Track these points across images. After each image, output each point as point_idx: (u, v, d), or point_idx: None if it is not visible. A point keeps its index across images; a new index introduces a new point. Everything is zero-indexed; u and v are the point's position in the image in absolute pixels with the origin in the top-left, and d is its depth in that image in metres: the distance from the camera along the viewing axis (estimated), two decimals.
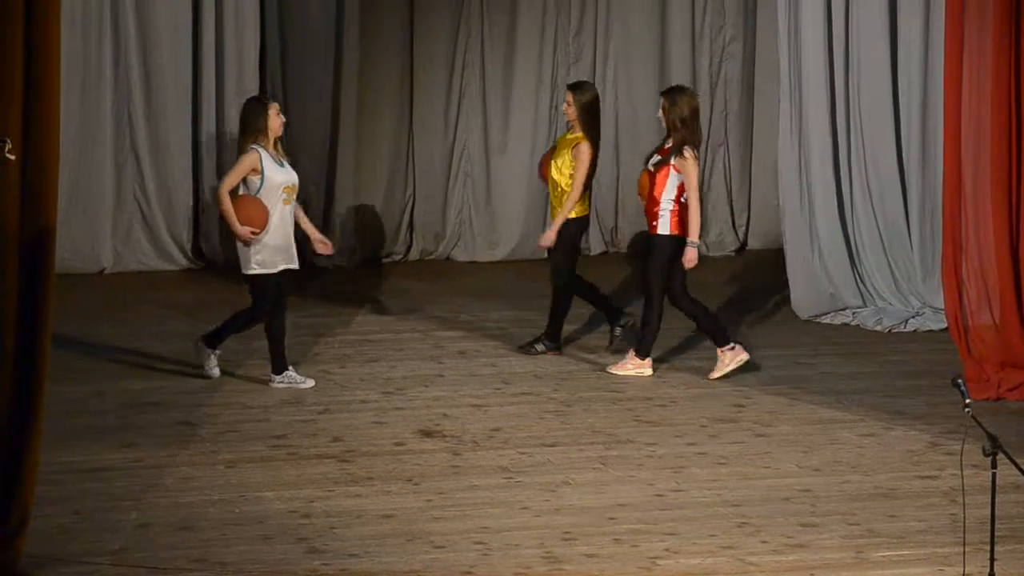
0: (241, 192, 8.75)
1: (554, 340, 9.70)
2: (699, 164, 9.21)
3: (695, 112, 9.20)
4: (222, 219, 8.82)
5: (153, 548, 6.55)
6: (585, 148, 9.45)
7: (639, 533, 6.83)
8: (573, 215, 9.55)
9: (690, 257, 9.21)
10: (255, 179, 8.68)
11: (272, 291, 8.82)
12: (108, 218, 12.12)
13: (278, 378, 8.89)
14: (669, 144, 9.24)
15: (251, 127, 8.77)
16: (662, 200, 9.18)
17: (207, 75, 12.18)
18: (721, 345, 9.29)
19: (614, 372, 9.29)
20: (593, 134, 9.54)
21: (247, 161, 8.70)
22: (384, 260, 12.72)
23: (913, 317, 10.67)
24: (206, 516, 6.90)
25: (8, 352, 5.80)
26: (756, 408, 8.74)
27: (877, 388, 9.19)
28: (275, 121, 8.82)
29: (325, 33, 12.52)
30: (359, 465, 7.61)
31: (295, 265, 8.91)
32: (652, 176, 9.21)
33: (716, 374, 9.23)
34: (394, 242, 12.83)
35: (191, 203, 12.31)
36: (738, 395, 8.99)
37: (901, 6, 10.93)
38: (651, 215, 9.27)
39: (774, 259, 11.71)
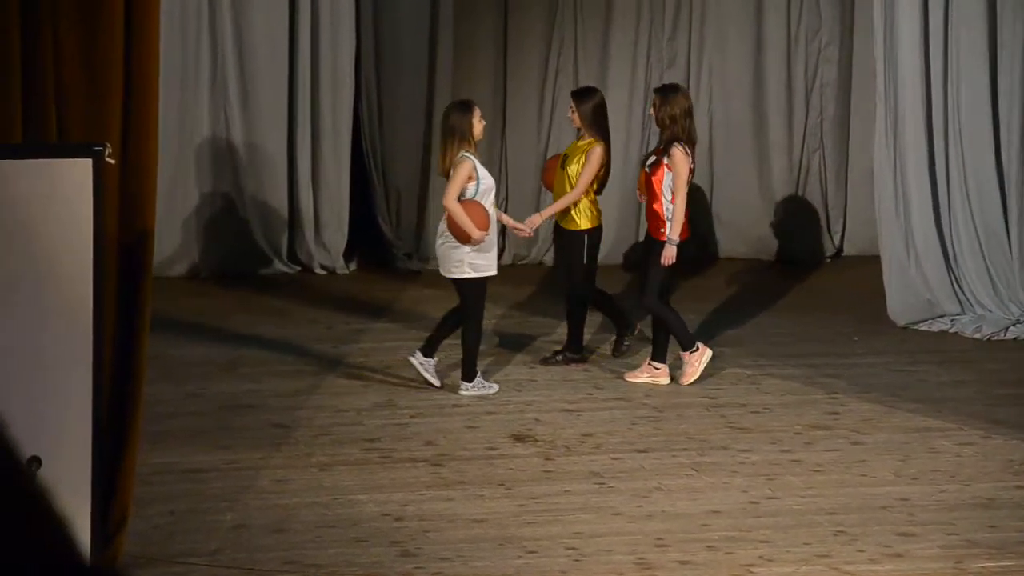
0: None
1: (576, 351, 9.59)
2: (690, 161, 9.03)
3: (687, 111, 9.08)
4: (450, 228, 8.75)
5: (248, 549, 6.59)
6: (598, 150, 9.34)
7: (733, 540, 6.77)
8: (586, 225, 9.39)
9: (668, 255, 9.06)
10: (470, 185, 8.71)
11: (485, 294, 8.88)
12: (204, 221, 12.25)
13: (468, 385, 8.89)
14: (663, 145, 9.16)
15: (459, 133, 8.73)
16: (665, 203, 9.07)
17: (302, 80, 12.28)
18: (683, 348, 9.22)
19: (627, 379, 9.21)
20: (604, 137, 9.43)
21: (465, 170, 8.69)
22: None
23: (1013, 325, 10.51)
24: (300, 518, 6.93)
25: (107, 354, 5.87)
26: (852, 415, 8.64)
27: (976, 396, 9.05)
28: (478, 126, 8.83)
29: (419, 39, 12.59)
30: (452, 469, 7.61)
31: (496, 270, 8.97)
32: (649, 177, 9.11)
33: (638, 377, 9.21)
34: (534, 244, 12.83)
35: (286, 207, 12.41)
36: (833, 402, 8.89)
37: (1001, 8, 10.78)
38: (656, 219, 9.13)
39: (871, 265, 11.58)
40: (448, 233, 8.77)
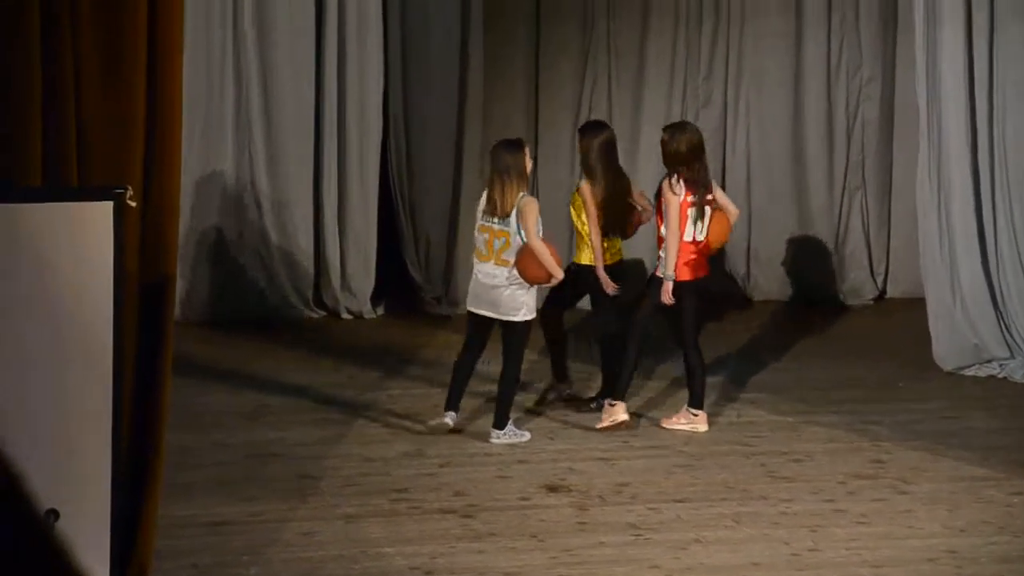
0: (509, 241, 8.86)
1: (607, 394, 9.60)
2: (684, 197, 8.96)
3: (694, 148, 9.06)
4: (523, 270, 8.82)
5: None
6: (584, 187, 9.33)
7: None
8: (586, 262, 9.36)
9: (664, 290, 9.04)
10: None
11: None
12: (228, 264, 12.25)
13: (499, 432, 8.89)
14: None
15: (517, 171, 8.84)
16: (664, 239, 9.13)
17: (328, 120, 12.29)
18: (610, 395, 9.22)
19: (664, 426, 9.18)
20: (592, 175, 9.32)
21: (535, 209, 8.85)
22: None
23: None
24: (327, 572, 6.91)
25: (127, 402, 5.86)
26: (897, 464, 8.58)
27: None
28: (529, 164, 8.99)
29: (448, 78, 12.59)
30: (482, 520, 7.58)
31: None
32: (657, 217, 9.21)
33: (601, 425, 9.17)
34: None
35: (312, 250, 12.41)
36: (878, 450, 8.83)
37: None
38: (659, 258, 9.21)
39: (916, 308, 11.51)
40: (514, 274, 8.78)
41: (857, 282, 13.23)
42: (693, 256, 9.09)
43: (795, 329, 12.25)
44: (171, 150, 5.95)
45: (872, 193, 13.26)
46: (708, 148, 13.01)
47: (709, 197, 9.14)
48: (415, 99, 12.65)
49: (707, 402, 9.35)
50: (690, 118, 12.93)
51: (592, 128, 9.60)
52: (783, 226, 13.24)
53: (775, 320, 12.61)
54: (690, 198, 9.03)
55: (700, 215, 9.08)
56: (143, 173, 5.88)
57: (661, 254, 9.12)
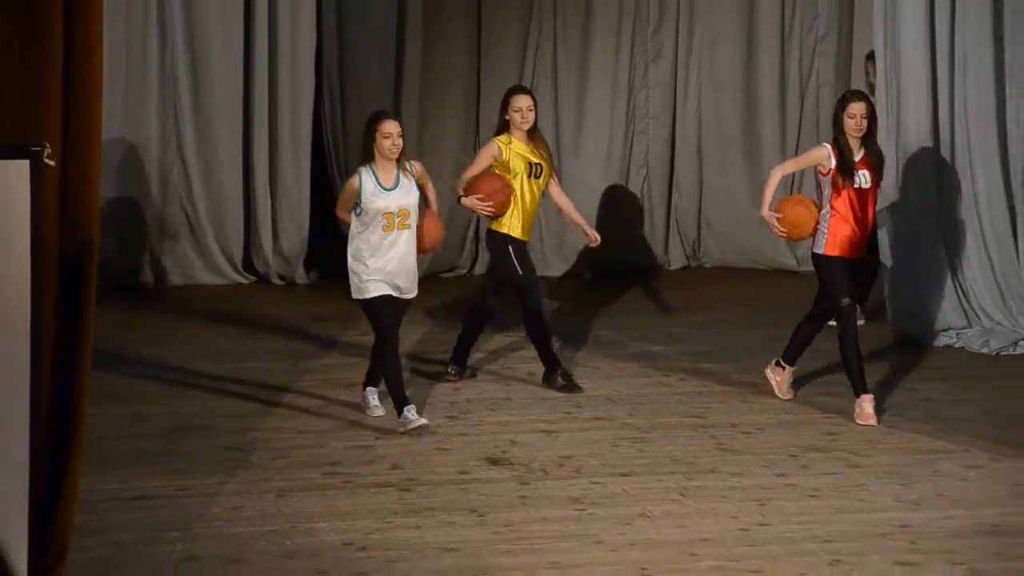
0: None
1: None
2: None
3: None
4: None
5: None
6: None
7: (722, 570, 6.81)
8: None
9: None
10: None
11: None
12: (152, 227, 12.24)
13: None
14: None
15: None
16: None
17: (259, 78, 12.28)
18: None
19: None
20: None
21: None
22: (447, 275, 12.76)
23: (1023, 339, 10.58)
24: (256, 548, 6.95)
25: (46, 372, 5.86)
26: (850, 436, 8.70)
27: (983, 416, 9.11)
28: None
29: (386, 34, 12.59)
30: (420, 494, 7.64)
31: None
32: (869, 192, 9.03)
33: None
34: (459, 255, 12.87)
35: (242, 211, 12.41)
36: (830, 423, 8.95)
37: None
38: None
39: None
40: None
41: (809, 248, 13.33)
42: None
43: (748, 296, 12.32)
44: (91, 108, 5.93)
45: None
46: (658, 105, 13.22)
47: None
48: (351, 56, 12.65)
49: (650, 374, 9.42)
50: (639, 74, 13.01)
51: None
52: (735, 188, 13.34)
53: (728, 287, 12.69)
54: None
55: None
56: (62, 133, 5.87)
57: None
